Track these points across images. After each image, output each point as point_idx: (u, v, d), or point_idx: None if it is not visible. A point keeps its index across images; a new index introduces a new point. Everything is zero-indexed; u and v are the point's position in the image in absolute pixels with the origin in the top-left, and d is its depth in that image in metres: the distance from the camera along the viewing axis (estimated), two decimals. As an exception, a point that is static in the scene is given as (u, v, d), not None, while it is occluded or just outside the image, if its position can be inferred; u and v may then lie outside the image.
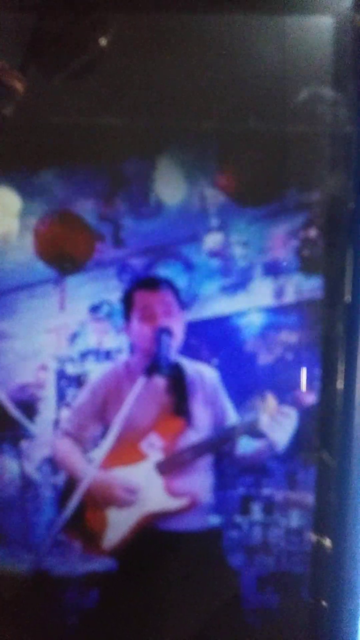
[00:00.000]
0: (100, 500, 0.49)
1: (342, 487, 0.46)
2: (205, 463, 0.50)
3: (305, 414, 0.48)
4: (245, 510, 0.49)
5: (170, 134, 0.48)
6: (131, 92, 0.47)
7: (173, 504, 0.49)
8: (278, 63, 0.46)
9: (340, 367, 0.46)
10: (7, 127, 0.47)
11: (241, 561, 0.49)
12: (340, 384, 0.46)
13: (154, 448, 0.49)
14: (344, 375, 0.46)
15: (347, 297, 0.45)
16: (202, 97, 0.47)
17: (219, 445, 0.49)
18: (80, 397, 0.50)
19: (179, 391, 0.50)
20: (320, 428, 0.47)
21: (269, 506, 0.49)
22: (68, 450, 0.50)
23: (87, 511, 0.49)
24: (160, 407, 0.50)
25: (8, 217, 0.49)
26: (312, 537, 0.47)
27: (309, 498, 0.48)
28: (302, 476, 0.48)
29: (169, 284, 0.49)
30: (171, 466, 0.49)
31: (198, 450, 0.49)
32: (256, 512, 0.49)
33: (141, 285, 0.50)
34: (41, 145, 0.48)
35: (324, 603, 0.47)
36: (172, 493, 0.49)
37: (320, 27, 0.45)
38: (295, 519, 0.49)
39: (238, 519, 0.49)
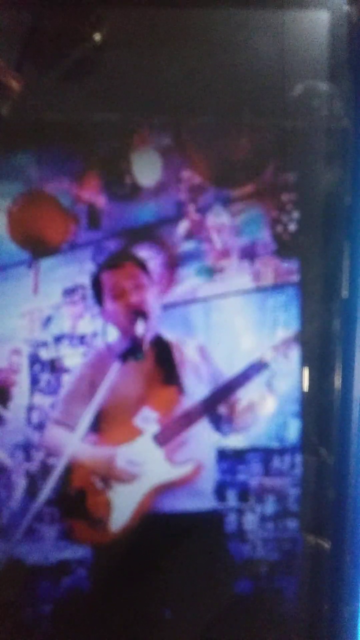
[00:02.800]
0: (104, 477, 0.48)
1: (340, 484, 0.45)
2: (203, 427, 0.49)
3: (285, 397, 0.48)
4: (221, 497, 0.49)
5: (146, 117, 0.47)
6: (126, 87, 0.47)
7: (178, 472, 0.48)
8: (274, 57, 0.46)
9: (338, 363, 0.45)
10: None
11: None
12: (337, 380, 0.45)
13: (148, 422, 0.49)
14: (341, 371, 0.45)
15: (345, 293, 0.45)
16: (198, 91, 0.47)
17: (214, 405, 0.49)
18: (67, 384, 0.50)
19: (166, 361, 0.49)
20: (317, 424, 0.47)
21: (244, 493, 0.49)
22: (61, 438, 0.49)
23: (88, 497, 0.48)
24: (149, 380, 0.49)
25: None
26: (310, 538, 0.47)
27: (285, 485, 0.48)
28: (277, 463, 0.48)
29: (132, 258, 0.49)
30: (169, 435, 0.48)
31: (194, 413, 0.48)
32: (231, 499, 0.49)
33: (105, 266, 0.49)
34: (16, 126, 0.48)
35: (324, 604, 0.46)
36: (175, 462, 0.49)
37: (315, 21, 0.46)
38: (270, 506, 0.48)
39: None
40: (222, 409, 0.48)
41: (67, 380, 0.50)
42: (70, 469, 0.48)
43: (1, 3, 0.46)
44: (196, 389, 0.49)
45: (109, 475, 0.49)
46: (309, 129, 0.46)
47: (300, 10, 0.46)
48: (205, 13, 0.46)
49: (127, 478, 0.48)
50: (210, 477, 0.48)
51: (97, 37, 0.47)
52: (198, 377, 0.49)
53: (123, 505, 0.48)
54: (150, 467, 0.48)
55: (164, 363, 0.49)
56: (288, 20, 0.46)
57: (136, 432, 0.49)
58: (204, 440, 0.49)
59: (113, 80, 0.47)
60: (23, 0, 0.46)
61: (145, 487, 0.48)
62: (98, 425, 0.49)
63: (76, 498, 0.48)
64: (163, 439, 0.48)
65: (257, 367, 0.47)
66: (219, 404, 0.48)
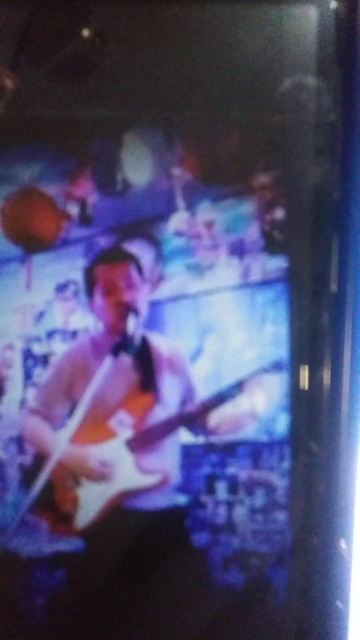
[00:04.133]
0: (75, 474, 0.49)
1: (330, 478, 0.46)
2: (175, 439, 0.49)
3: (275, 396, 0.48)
4: (210, 490, 0.49)
5: (137, 114, 0.48)
6: (117, 84, 0.47)
7: (145, 480, 0.49)
8: (261, 52, 0.46)
9: (327, 357, 0.46)
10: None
11: (206, 540, 0.49)
12: (327, 374, 0.46)
13: (123, 425, 0.49)
14: (330, 365, 0.46)
15: (334, 288, 0.45)
16: (187, 87, 0.47)
17: (189, 421, 0.49)
18: (46, 374, 0.50)
19: (146, 367, 0.50)
20: (307, 419, 0.47)
21: (234, 485, 0.49)
22: (36, 428, 0.50)
23: (56, 492, 0.49)
24: (128, 384, 0.50)
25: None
26: (298, 532, 0.47)
27: (274, 477, 0.48)
28: (266, 455, 0.48)
29: (129, 257, 0.49)
30: (141, 443, 0.49)
31: (168, 426, 0.49)
32: (221, 491, 0.49)
33: (102, 260, 0.49)
34: (7, 123, 0.48)
35: (314, 598, 0.47)
36: (144, 470, 0.49)
37: (303, 17, 0.46)
38: (259, 498, 0.49)
39: (203, 498, 0.49)
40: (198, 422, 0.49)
41: (47, 370, 0.50)
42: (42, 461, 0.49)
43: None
44: (171, 400, 0.49)
45: (81, 472, 0.49)
46: (297, 124, 0.46)
47: (288, 6, 0.46)
48: (192, 9, 0.47)
49: (98, 477, 0.49)
50: (176, 484, 0.49)
51: (89, 34, 0.47)
52: (175, 389, 0.50)
53: (89, 503, 0.49)
54: (118, 471, 0.49)
55: (144, 368, 0.50)
56: (276, 15, 0.46)
57: (110, 434, 0.49)
58: (174, 451, 0.49)
59: (104, 77, 0.47)
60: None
61: (111, 489, 0.49)
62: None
63: (45, 490, 0.49)
64: (135, 445, 0.49)
65: (233, 392, 0.48)
66: (194, 420, 0.49)
